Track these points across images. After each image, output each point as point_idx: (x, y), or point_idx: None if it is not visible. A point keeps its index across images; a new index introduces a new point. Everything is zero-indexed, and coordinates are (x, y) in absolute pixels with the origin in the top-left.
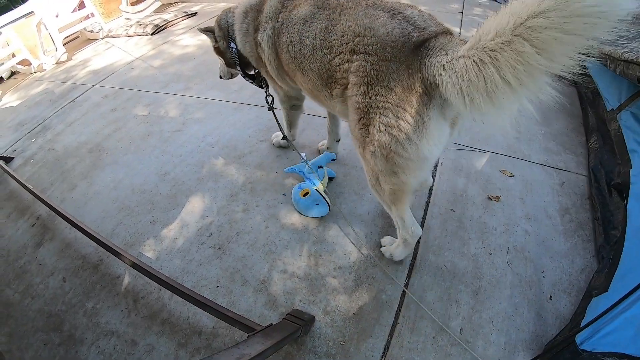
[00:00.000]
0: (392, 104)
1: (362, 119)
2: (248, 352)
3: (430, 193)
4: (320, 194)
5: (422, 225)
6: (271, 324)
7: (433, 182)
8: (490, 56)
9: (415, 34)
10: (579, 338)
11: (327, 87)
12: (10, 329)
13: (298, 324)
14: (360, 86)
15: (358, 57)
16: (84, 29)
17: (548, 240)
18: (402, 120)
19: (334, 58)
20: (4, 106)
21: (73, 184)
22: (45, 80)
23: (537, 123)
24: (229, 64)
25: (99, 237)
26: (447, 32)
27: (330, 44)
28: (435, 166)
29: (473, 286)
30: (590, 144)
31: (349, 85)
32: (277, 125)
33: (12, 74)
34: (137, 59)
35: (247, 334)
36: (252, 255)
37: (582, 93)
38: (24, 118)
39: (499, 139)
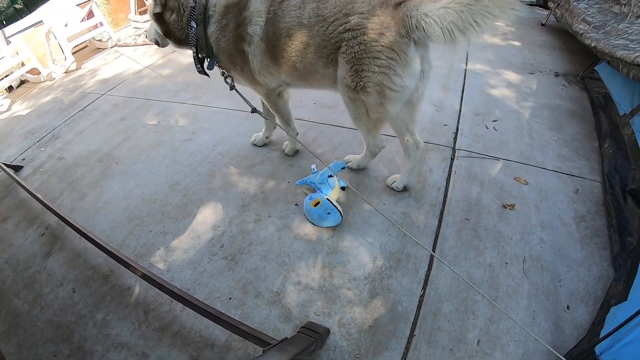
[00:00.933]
0: (383, 47)
1: (354, 67)
2: None
3: (444, 202)
4: (332, 202)
5: (436, 235)
6: (286, 338)
7: (447, 190)
8: (467, 8)
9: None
10: (598, 349)
11: (323, 57)
12: (18, 339)
13: (313, 337)
14: (357, 37)
15: (353, 17)
16: (93, 38)
17: (564, 248)
18: (392, 59)
19: (328, 27)
20: (14, 115)
21: (83, 193)
22: (54, 89)
23: (550, 129)
24: (170, 34)
25: (109, 248)
26: None
27: (324, 17)
28: (449, 173)
29: (490, 296)
30: (604, 149)
31: (342, 45)
32: (286, 135)
33: (22, 82)
34: (146, 67)
35: (261, 348)
36: (265, 266)
37: (594, 98)
38: (34, 127)
39: (511, 146)
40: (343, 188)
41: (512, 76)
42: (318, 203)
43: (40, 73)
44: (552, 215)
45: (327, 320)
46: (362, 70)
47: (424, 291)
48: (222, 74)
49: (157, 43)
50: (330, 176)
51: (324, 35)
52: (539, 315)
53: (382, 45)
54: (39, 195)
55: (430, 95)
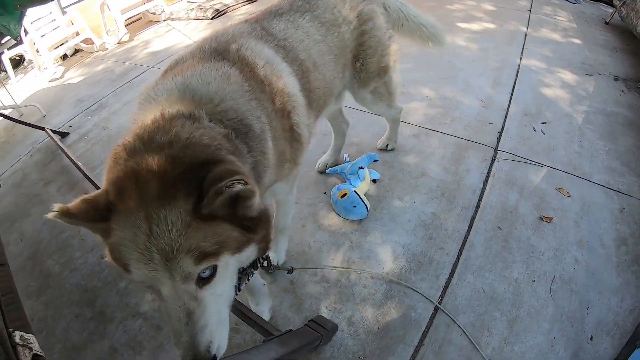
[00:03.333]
0: (385, 27)
1: (376, 55)
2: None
3: (477, 206)
4: (359, 196)
5: (464, 242)
6: (290, 330)
7: (482, 193)
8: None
9: None
10: None
11: (342, 68)
12: (47, 299)
13: (319, 333)
14: (372, 29)
15: (360, 5)
16: (147, 11)
17: (599, 272)
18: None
19: (340, 27)
20: (66, 82)
21: None
22: (106, 59)
23: (602, 138)
24: None
25: None
26: None
27: (333, 22)
28: (488, 176)
29: (510, 315)
30: None
31: (364, 39)
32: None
33: (76, 51)
34: (194, 42)
35: (263, 337)
36: None
37: None
38: (83, 95)
39: (559, 153)
40: (374, 181)
41: (568, 76)
42: (345, 194)
43: (93, 43)
44: (591, 234)
45: (337, 316)
46: (385, 55)
47: (441, 299)
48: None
49: None
50: (362, 168)
51: (341, 39)
52: (559, 343)
53: (384, 27)
54: (79, 164)
55: (479, 89)
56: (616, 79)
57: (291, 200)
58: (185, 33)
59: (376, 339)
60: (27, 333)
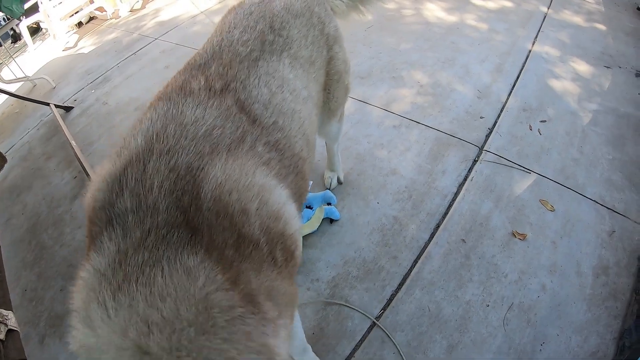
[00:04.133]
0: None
1: (343, 76)
2: None
3: (445, 214)
4: None
5: (421, 252)
6: None
7: (453, 200)
8: None
9: None
10: None
11: (319, 105)
12: (39, 270)
13: None
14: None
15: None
16: None
17: (566, 304)
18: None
19: (315, 64)
20: (78, 51)
21: (116, 142)
22: (117, 28)
23: (608, 143)
24: None
25: None
26: None
27: (309, 60)
28: (465, 179)
29: (452, 339)
30: None
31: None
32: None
33: (90, 19)
34: (201, 12)
35: None
36: None
37: None
38: (91, 66)
39: (552, 158)
40: (332, 220)
41: (583, 67)
42: None
43: (106, 11)
44: (568, 258)
45: None
46: (346, 74)
47: (382, 312)
48: None
49: None
50: (309, 207)
51: (318, 83)
52: None
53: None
54: (73, 143)
55: (477, 77)
56: (638, 74)
57: None
58: (193, 1)
59: (309, 343)
60: (6, 310)
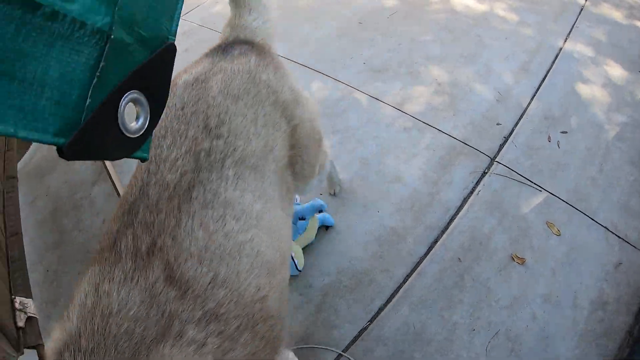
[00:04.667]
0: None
1: (312, 135)
2: None
3: (445, 229)
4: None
5: (414, 268)
6: None
7: (456, 214)
8: None
9: None
10: None
11: (290, 189)
12: (60, 253)
13: None
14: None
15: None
16: None
17: (555, 336)
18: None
19: (272, 151)
20: None
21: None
22: None
23: (632, 162)
24: None
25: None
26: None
27: (264, 149)
28: (471, 193)
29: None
30: None
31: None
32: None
33: None
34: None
35: None
36: None
37: None
38: None
39: (568, 175)
40: (327, 227)
41: (617, 71)
42: None
43: None
44: (566, 289)
45: None
46: (317, 132)
47: (368, 324)
48: None
49: None
50: (302, 219)
51: (280, 177)
52: None
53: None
54: None
55: (499, 77)
56: None
57: None
58: None
59: (293, 350)
60: (26, 297)
